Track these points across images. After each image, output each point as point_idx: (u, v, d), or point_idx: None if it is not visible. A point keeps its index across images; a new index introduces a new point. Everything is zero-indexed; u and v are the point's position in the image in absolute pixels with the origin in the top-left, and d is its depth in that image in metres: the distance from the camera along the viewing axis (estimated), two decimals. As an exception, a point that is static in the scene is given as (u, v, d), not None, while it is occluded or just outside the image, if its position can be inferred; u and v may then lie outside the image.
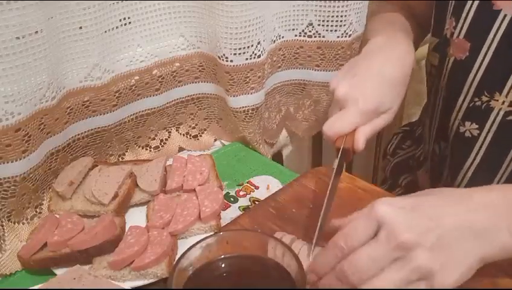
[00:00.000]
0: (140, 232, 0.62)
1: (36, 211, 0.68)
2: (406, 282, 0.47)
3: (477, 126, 0.72)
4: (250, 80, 0.79)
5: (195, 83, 0.83)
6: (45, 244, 0.61)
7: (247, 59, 0.77)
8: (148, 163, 0.74)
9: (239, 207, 0.71)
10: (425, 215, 0.49)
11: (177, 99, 0.83)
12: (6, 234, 0.64)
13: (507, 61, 0.67)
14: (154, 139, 0.84)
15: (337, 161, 0.62)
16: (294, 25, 0.83)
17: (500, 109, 0.69)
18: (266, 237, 0.51)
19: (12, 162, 0.62)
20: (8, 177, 0.62)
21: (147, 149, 0.84)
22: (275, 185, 0.75)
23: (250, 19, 0.73)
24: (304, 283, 0.47)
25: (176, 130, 0.86)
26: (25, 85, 0.60)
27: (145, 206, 0.70)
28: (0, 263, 0.61)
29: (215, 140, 0.89)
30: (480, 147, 0.73)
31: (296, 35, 0.84)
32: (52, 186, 0.70)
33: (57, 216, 0.65)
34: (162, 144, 0.85)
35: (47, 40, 0.61)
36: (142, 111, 0.80)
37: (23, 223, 0.66)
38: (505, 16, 0.65)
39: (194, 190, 0.69)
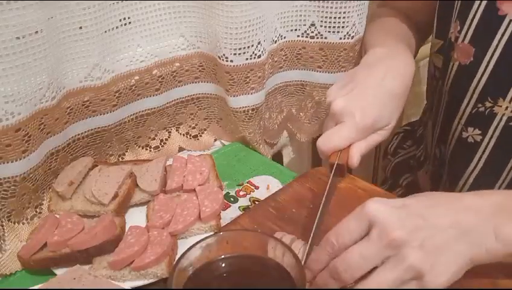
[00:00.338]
0: (140, 232, 0.62)
1: (36, 211, 0.68)
2: (400, 282, 0.48)
3: (480, 132, 0.72)
4: (250, 80, 0.79)
5: (195, 83, 0.83)
6: (45, 245, 0.61)
7: (247, 59, 0.77)
8: (148, 163, 0.74)
9: (239, 207, 0.71)
10: (416, 214, 0.50)
11: (177, 99, 0.83)
12: (6, 234, 0.64)
13: (511, 67, 0.66)
14: (154, 139, 0.84)
15: (331, 176, 0.61)
16: (296, 25, 0.83)
17: (504, 115, 0.68)
18: (266, 237, 0.51)
19: (12, 162, 0.61)
20: (8, 177, 0.62)
21: (147, 149, 0.84)
22: (275, 185, 0.75)
23: (250, 19, 0.73)
24: (304, 283, 0.47)
25: (176, 130, 0.86)
26: (25, 85, 0.60)
27: (145, 206, 0.70)
28: (0, 263, 0.61)
29: (215, 140, 0.89)
30: (483, 152, 0.72)
31: (298, 36, 0.84)
32: (52, 186, 0.70)
33: (57, 216, 0.65)
34: (162, 144, 0.85)
35: (47, 40, 0.61)
36: (142, 111, 0.80)
37: (23, 223, 0.66)
38: (510, 21, 0.65)
39: (194, 190, 0.69)
